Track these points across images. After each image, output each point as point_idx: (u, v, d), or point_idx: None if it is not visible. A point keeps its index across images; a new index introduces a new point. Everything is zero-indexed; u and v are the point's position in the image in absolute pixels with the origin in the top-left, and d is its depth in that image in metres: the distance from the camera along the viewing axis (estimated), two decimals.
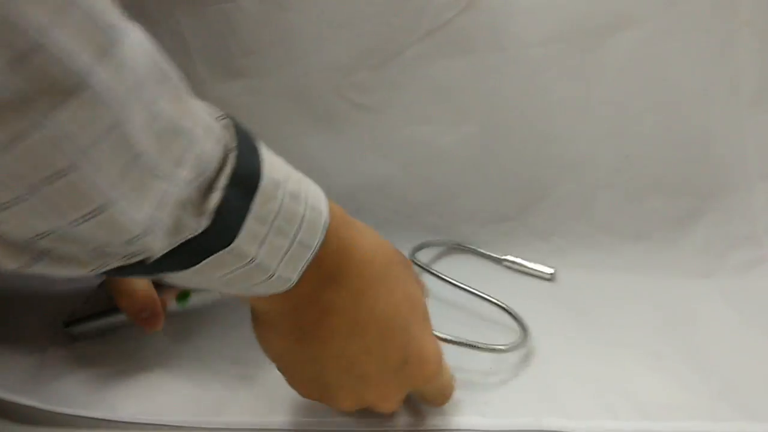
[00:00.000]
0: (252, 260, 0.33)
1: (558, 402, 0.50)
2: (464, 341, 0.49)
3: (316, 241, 0.37)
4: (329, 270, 0.39)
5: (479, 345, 0.50)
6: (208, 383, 0.53)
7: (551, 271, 0.62)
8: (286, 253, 0.35)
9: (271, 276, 0.35)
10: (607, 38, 0.63)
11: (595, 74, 0.64)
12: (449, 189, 0.69)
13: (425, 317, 0.45)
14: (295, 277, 0.37)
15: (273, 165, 0.34)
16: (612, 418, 0.48)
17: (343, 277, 0.39)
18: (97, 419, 0.50)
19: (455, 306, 0.60)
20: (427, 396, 0.47)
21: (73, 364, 0.54)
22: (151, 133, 0.27)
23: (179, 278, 0.34)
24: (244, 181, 0.32)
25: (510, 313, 0.56)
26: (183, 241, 0.31)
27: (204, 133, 0.31)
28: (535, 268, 0.63)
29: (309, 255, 0.36)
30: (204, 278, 0.34)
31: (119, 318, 0.55)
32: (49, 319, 0.59)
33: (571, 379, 0.52)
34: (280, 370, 0.44)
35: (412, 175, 0.68)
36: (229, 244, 0.32)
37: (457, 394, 0.50)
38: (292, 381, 0.44)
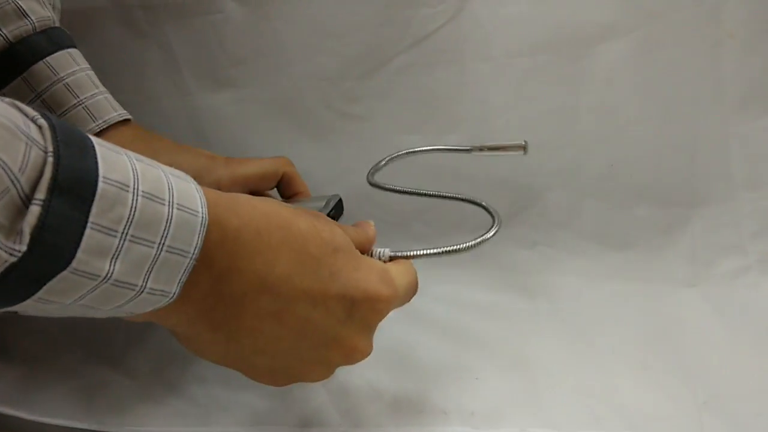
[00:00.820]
0: (106, 278, 0.29)
1: (544, 412, 0.50)
2: (434, 251, 0.45)
3: (193, 246, 0.32)
4: (222, 264, 0.34)
5: (450, 249, 0.45)
6: (195, 394, 0.53)
7: (522, 143, 0.56)
8: (153, 263, 0.31)
9: (140, 292, 0.31)
10: (593, 48, 0.63)
11: (582, 84, 0.64)
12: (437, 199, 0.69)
13: (353, 251, 0.41)
14: (174, 289, 0.32)
15: (115, 164, 0.29)
16: (598, 429, 0.48)
17: (243, 262, 0.35)
18: (84, 430, 0.49)
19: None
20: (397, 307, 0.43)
21: (60, 375, 0.54)
22: None
23: (27, 309, 0.29)
24: (73, 187, 0.27)
25: (479, 204, 0.52)
26: (2, 271, 0.26)
27: (4, 138, 0.26)
28: (506, 144, 0.57)
29: (187, 262, 0.32)
30: (56, 306, 0.29)
31: None
32: (37, 329, 0.59)
33: (558, 389, 0.52)
34: (238, 371, 0.41)
35: (400, 184, 0.68)
36: (69, 265, 0.27)
37: (444, 404, 0.50)
38: (255, 377, 0.41)
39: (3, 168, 0.25)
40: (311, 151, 0.68)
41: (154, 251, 0.30)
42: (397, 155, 0.57)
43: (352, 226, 0.45)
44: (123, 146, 0.32)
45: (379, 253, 0.45)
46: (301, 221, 0.39)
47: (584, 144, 0.66)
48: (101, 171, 0.28)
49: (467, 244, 0.45)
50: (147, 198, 0.30)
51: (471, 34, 0.63)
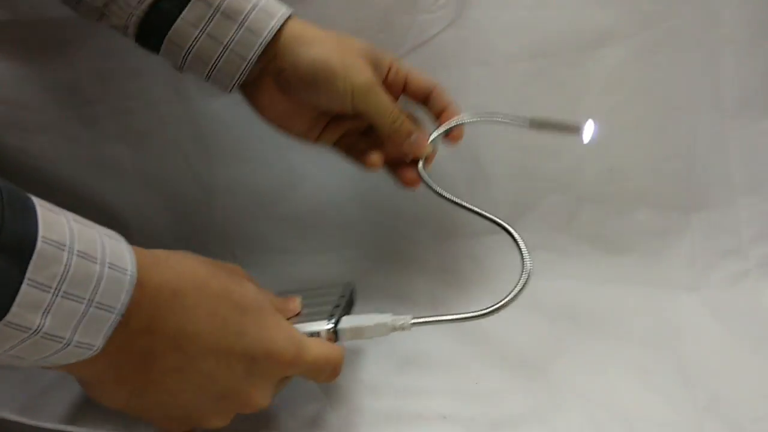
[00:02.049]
0: (36, 331, 0.31)
1: (544, 417, 0.50)
2: (458, 316, 0.47)
3: (120, 302, 0.34)
4: (140, 322, 0.36)
5: (475, 314, 0.47)
6: None
7: (579, 125, 0.53)
8: (82, 318, 0.33)
9: (67, 345, 0.32)
10: (592, 53, 0.63)
11: (580, 89, 0.64)
12: (435, 202, 0.69)
13: (262, 313, 0.43)
14: (99, 342, 0.34)
15: (54, 225, 0.32)
16: None
17: (157, 323, 0.37)
18: None
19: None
20: (308, 377, 0.45)
21: (61, 379, 0.53)
22: None
23: None
24: (13, 246, 0.29)
25: (515, 240, 0.50)
26: None
27: None
28: (565, 123, 0.54)
29: (113, 317, 0.34)
30: None
31: None
32: None
33: (557, 394, 0.52)
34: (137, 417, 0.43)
35: (398, 189, 0.68)
36: (2, 317, 0.29)
37: (444, 410, 0.50)
38: (153, 422, 0.43)
39: None
40: (309, 155, 0.67)
41: (83, 306, 0.32)
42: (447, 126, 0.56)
43: (277, 294, 0.49)
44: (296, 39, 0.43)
45: (401, 321, 0.47)
46: (214, 282, 0.41)
47: (583, 148, 0.65)
48: (41, 231, 0.30)
49: (492, 308, 0.46)
50: (81, 257, 0.32)
51: (470, 39, 0.63)
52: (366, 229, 0.71)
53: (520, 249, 0.49)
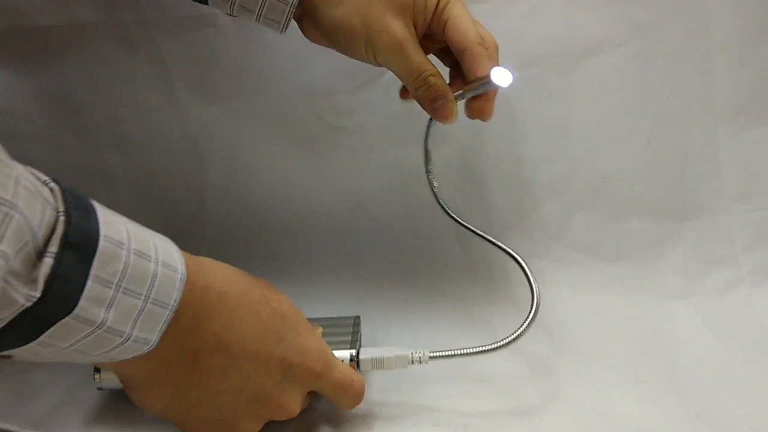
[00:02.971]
0: (101, 325, 0.33)
1: (537, 425, 0.50)
2: (474, 350, 0.49)
3: (173, 299, 0.36)
4: (188, 320, 0.38)
5: (489, 347, 0.49)
6: None
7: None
8: (140, 313, 0.34)
9: (127, 339, 0.34)
10: (584, 62, 0.63)
11: (572, 97, 0.64)
12: (429, 211, 0.69)
13: (299, 323, 0.45)
14: (155, 337, 0.36)
15: (112, 225, 0.34)
16: None
17: (204, 321, 0.39)
18: None
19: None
20: (331, 396, 0.46)
21: (52, 387, 0.53)
22: None
23: (25, 353, 0.32)
24: (80, 244, 0.31)
25: (527, 275, 0.52)
26: (18, 313, 0.29)
27: (26, 199, 0.29)
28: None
29: (167, 314, 0.36)
30: (52, 350, 0.33)
31: None
32: None
33: (549, 400, 0.52)
34: (171, 422, 0.44)
35: (391, 197, 0.68)
36: (71, 311, 0.31)
37: (437, 418, 0.50)
38: (186, 428, 0.44)
39: (26, 224, 0.29)
40: (303, 163, 0.68)
41: (140, 302, 0.34)
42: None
43: None
44: None
45: (419, 355, 0.49)
46: (254, 290, 0.44)
47: (575, 157, 0.66)
48: (102, 231, 0.33)
49: (506, 340, 0.49)
50: (137, 255, 0.34)
51: None
52: (357, 237, 0.70)
53: (530, 281, 0.52)
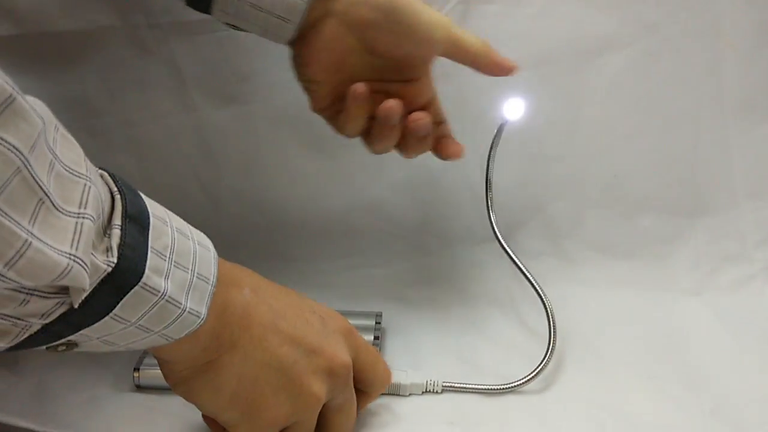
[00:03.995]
0: (163, 294, 0.34)
1: (550, 423, 0.50)
2: (475, 386, 0.53)
3: (212, 274, 0.38)
4: (222, 295, 0.39)
5: (503, 387, 0.52)
6: None
7: None
8: (190, 285, 0.36)
9: (183, 311, 0.36)
10: (594, 61, 0.64)
11: (583, 96, 0.65)
12: (441, 210, 0.69)
13: (322, 319, 0.46)
14: (204, 310, 0.38)
15: (156, 206, 0.36)
16: None
17: (236, 291, 0.41)
18: None
19: None
20: (365, 363, 0.46)
21: (72, 387, 0.54)
22: (53, 176, 0.29)
23: (97, 332, 0.33)
24: (137, 218, 0.34)
25: (548, 312, 0.55)
26: (99, 281, 0.31)
27: (95, 176, 0.32)
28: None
29: (210, 288, 0.38)
30: (121, 329, 0.34)
31: None
32: None
33: (564, 399, 0.52)
34: (237, 418, 0.42)
35: (404, 197, 0.69)
36: (140, 279, 0.33)
37: (449, 415, 0.50)
38: (258, 407, 0.42)
39: (99, 197, 0.32)
40: (316, 164, 0.68)
41: (189, 275, 0.36)
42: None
43: None
44: None
45: (434, 383, 0.52)
46: (287, 289, 0.46)
47: (587, 155, 0.66)
48: (150, 209, 0.35)
49: (524, 379, 0.52)
50: (179, 233, 0.37)
51: None
52: (372, 237, 0.71)
53: (549, 316, 0.55)
